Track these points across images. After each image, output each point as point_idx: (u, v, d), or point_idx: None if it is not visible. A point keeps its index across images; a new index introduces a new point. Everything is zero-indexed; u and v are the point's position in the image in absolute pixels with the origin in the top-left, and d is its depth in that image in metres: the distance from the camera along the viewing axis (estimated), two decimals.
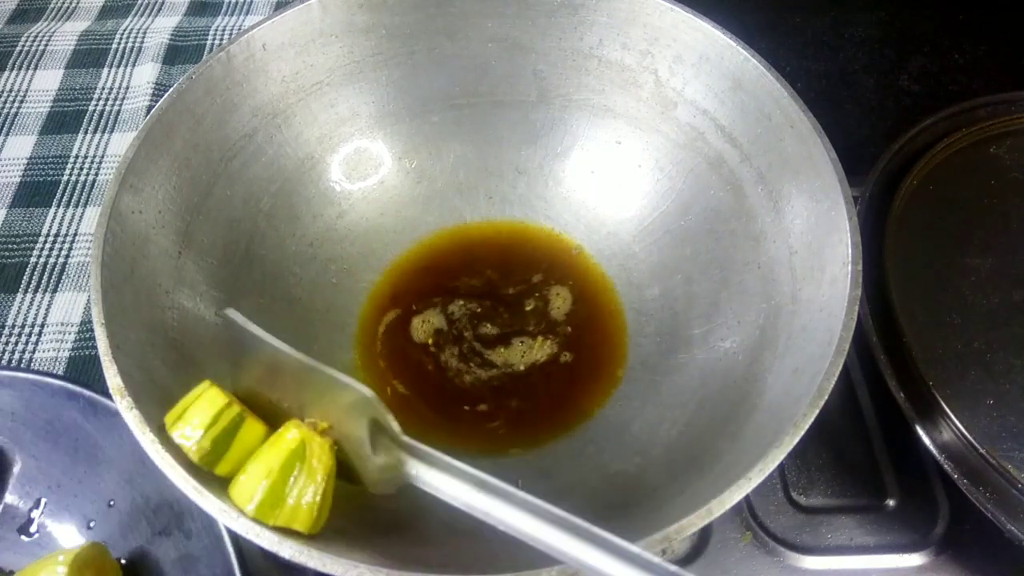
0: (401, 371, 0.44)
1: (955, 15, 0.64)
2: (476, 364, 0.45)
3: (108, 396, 0.36)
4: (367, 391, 0.29)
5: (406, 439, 0.29)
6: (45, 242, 0.54)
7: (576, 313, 0.46)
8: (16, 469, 0.39)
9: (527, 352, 0.45)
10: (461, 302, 0.47)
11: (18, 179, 0.57)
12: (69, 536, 0.38)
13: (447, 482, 0.29)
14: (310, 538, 0.27)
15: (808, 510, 0.41)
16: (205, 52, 0.66)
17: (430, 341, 0.46)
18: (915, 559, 0.39)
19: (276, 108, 0.44)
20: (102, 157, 0.59)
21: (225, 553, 0.35)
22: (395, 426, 0.29)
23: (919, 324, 0.40)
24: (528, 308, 0.46)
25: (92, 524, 0.38)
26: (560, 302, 0.47)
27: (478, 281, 0.48)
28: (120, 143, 0.60)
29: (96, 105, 0.62)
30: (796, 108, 0.38)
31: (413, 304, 0.47)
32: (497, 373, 0.44)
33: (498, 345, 0.45)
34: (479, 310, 0.46)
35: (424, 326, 0.46)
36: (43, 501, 0.39)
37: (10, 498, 0.39)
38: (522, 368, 0.44)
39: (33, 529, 0.39)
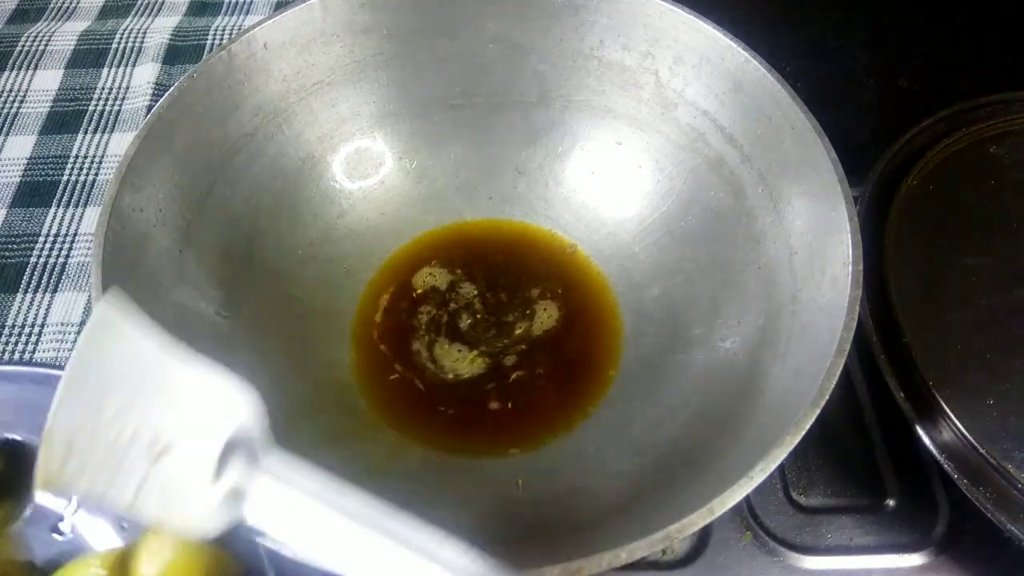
0: (401, 355, 0.45)
1: (955, 15, 0.64)
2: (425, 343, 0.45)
3: None
4: (241, 393, 0.24)
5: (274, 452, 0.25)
6: (45, 242, 0.54)
7: (563, 320, 0.46)
8: None
9: (460, 360, 0.45)
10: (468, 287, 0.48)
11: (18, 179, 0.57)
12: (103, 535, 0.37)
13: (293, 510, 0.23)
14: None
15: (808, 510, 0.41)
16: (205, 52, 0.66)
17: (419, 290, 0.47)
18: (915, 559, 0.39)
19: (277, 107, 0.44)
20: (102, 157, 0.59)
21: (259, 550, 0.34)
22: (264, 433, 0.25)
23: (919, 324, 0.40)
24: (511, 317, 0.47)
25: (126, 524, 0.37)
26: (545, 316, 0.47)
27: (475, 282, 0.48)
28: (120, 143, 0.60)
29: (96, 105, 0.62)
30: (796, 109, 0.38)
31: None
32: (432, 368, 0.45)
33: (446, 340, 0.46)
34: (471, 301, 0.47)
35: (427, 279, 0.48)
36: (75, 500, 0.38)
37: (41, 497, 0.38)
38: (450, 377, 0.44)
39: (66, 528, 0.38)
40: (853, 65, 0.62)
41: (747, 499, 0.41)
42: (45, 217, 0.55)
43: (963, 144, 0.47)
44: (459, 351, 0.45)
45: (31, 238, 0.54)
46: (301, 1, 0.42)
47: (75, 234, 0.54)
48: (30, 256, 0.53)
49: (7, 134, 0.60)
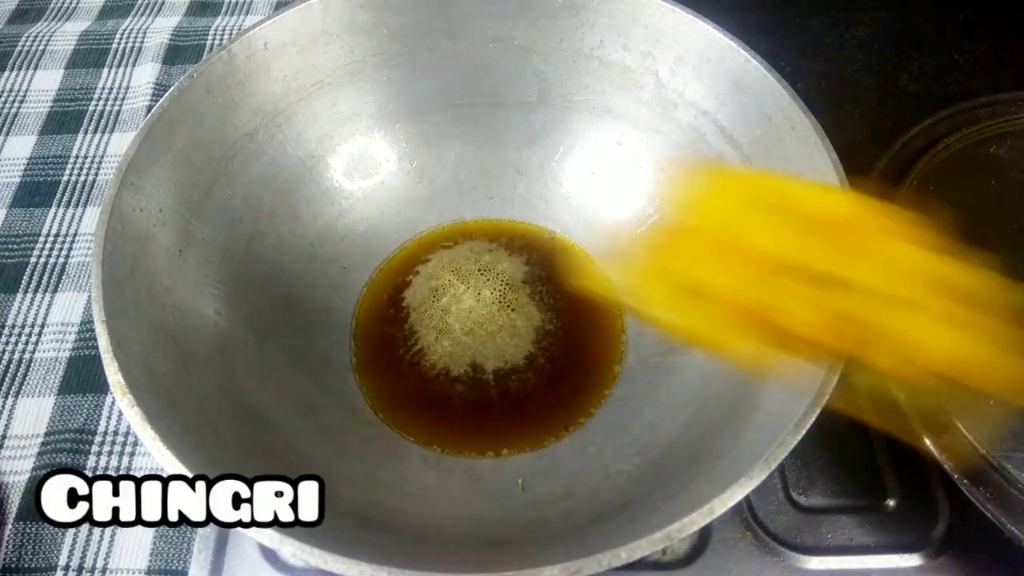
0: (402, 354, 0.45)
1: (955, 15, 0.64)
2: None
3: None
4: None
5: None
6: (45, 242, 0.54)
7: (565, 320, 0.46)
8: None
9: (458, 357, 0.45)
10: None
11: (18, 179, 0.57)
12: None
13: None
14: (312, 537, 0.27)
15: (808, 510, 0.41)
16: (205, 52, 0.66)
17: (418, 290, 0.47)
18: (915, 559, 0.39)
19: (277, 107, 0.44)
20: (102, 157, 0.59)
21: None
22: None
23: None
24: (512, 316, 0.47)
25: None
26: (547, 316, 0.47)
27: (475, 281, 0.48)
28: (120, 143, 0.60)
29: (96, 105, 0.62)
30: (796, 109, 0.38)
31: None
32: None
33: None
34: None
35: (426, 279, 0.48)
36: None
37: None
38: (451, 375, 0.44)
39: None
40: (853, 65, 0.62)
41: (747, 499, 0.41)
42: (45, 217, 0.55)
43: (963, 144, 0.47)
44: (457, 349, 0.45)
45: (31, 238, 0.54)
46: (301, 1, 0.42)
47: (75, 234, 0.54)
48: (30, 256, 0.53)
49: (7, 134, 0.60)
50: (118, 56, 0.66)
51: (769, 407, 0.33)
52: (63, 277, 0.52)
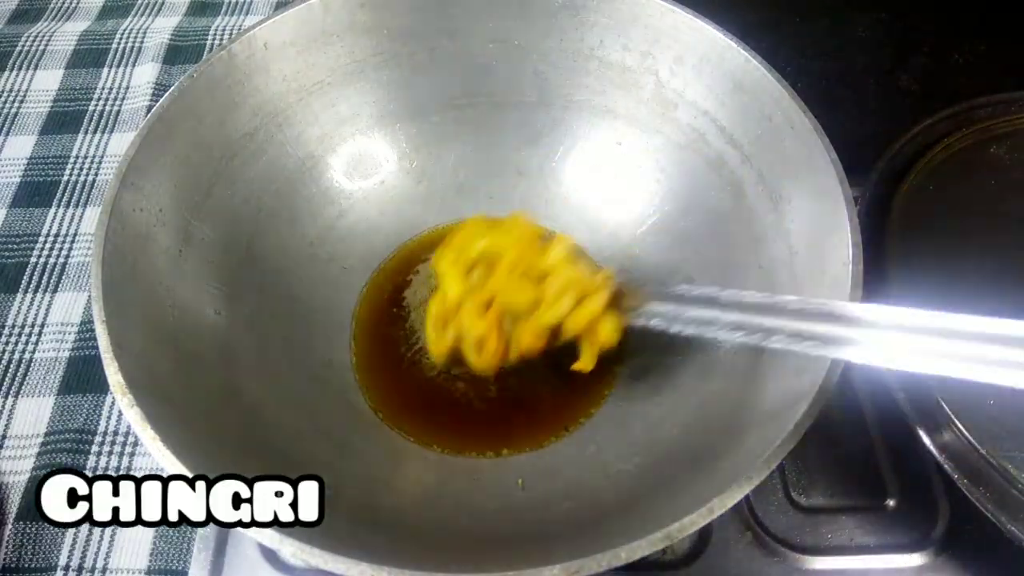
0: (402, 354, 0.45)
1: (955, 15, 0.64)
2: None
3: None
4: None
5: None
6: (45, 242, 0.54)
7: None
8: None
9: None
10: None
11: (18, 179, 0.57)
12: None
13: None
14: (312, 537, 0.27)
15: (808, 510, 0.41)
16: (205, 52, 0.66)
17: (418, 290, 0.47)
18: (915, 559, 0.39)
19: (277, 107, 0.44)
20: (102, 157, 0.59)
21: None
22: None
23: None
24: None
25: None
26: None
27: None
28: (120, 143, 0.60)
29: (96, 105, 0.62)
30: (796, 109, 0.38)
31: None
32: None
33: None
34: None
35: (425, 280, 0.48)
36: None
37: None
38: (451, 374, 0.44)
39: None
40: (853, 65, 0.62)
41: (747, 499, 0.41)
42: (45, 217, 0.55)
43: (963, 144, 0.47)
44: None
45: (31, 238, 0.54)
46: (301, 1, 0.42)
47: (75, 234, 0.54)
48: (30, 256, 0.53)
49: (7, 134, 0.60)
50: (118, 56, 0.66)
51: (769, 407, 0.33)
52: (63, 277, 0.52)
